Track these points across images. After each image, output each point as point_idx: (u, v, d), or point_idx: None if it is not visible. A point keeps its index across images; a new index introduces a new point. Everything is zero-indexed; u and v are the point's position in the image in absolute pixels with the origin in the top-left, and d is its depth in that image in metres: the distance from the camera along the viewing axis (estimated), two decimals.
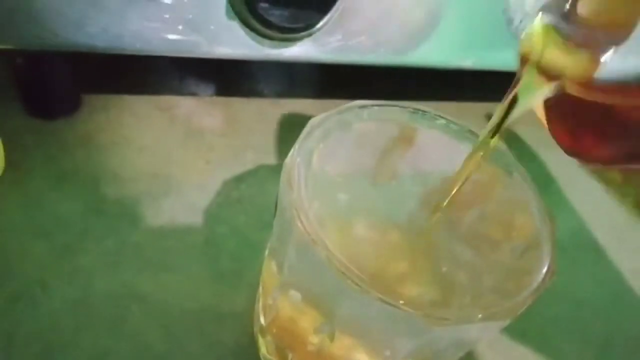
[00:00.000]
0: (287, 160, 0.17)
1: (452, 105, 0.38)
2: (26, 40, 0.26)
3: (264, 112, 0.35)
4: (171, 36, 0.28)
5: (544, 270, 0.17)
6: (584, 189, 0.37)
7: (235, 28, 0.28)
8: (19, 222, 0.26)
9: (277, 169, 0.32)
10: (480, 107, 0.39)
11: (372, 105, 0.20)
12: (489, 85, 0.42)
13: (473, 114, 0.37)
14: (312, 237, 0.15)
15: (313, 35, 0.28)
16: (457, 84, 0.39)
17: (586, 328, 0.28)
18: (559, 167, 0.37)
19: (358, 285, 0.15)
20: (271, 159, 0.32)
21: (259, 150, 0.32)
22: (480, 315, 0.16)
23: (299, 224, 0.16)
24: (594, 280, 0.31)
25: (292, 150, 0.18)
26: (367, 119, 0.20)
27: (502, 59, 0.35)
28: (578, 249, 0.33)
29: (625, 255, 0.33)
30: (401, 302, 0.15)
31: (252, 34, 0.28)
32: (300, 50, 0.29)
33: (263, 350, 0.22)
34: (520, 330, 0.27)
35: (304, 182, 0.17)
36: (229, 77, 0.37)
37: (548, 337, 0.28)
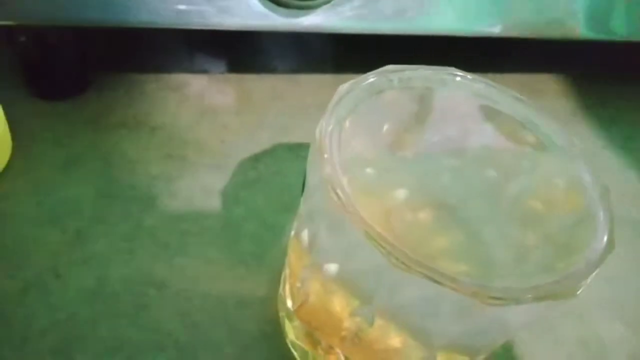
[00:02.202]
0: (317, 131, 0.16)
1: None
2: (28, 15, 0.25)
3: (278, 89, 0.33)
4: (180, 6, 0.26)
5: (603, 242, 0.15)
6: (614, 165, 0.35)
7: None
8: (29, 208, 0.25)
9: (294, 148, 0.31)
10: (518, 78, 0.38)
11: (404, 70, 0.18)
12: (526, 56, 0.40)
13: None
14: (350, 212, 0.14)
15: (331, 3, 0.27)
16: (493, 54, 0.37)
17: (626, 308, 0.27)
18: (587, 142, 0.35)
19: (401, 261, 0.13)
20: (288, 138, 0.31)
21: (275, 128, 0.31)
22: (532, 295, 0.14)
23: (335, 199, 0.14)
24: (631, 258, 0.29)
25: (321, 120, 0.16)
26: (399, 86, 0.18)
27: (532, 26, 0.33)
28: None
29: None
30: (451, 282, 0.13)
31: (266, 2, 0.26)
32: (318, 19, 0.27)
33: (291, 336, 0.21)
34: (555, 310, 0.26)
35: (336, 154, 0.15)
36: (241, 53, 0.35)
37: (586, 318, 0.26)
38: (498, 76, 0.38)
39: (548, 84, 0.40)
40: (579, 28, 0.35)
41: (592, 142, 0.36)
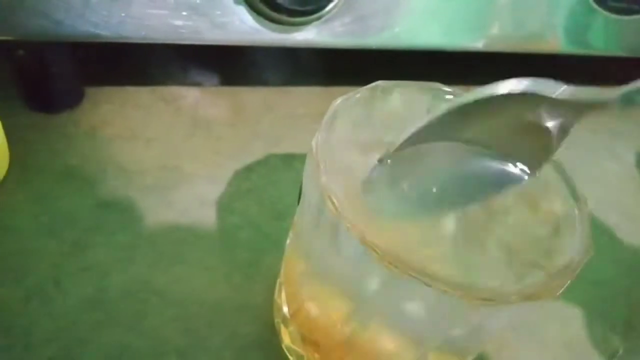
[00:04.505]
0: (313, 143, 0.17)
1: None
2: (28, 30, 0.25)
3: (270, 101, 0.34)
4: (176, 22, 0.27)
5: (581, 247, 0.16)
6: (595, 174, 0.36)
7: (242, 13, 0.27)
8: (27, 220, 0.25)
9: (286, 159, 0.31)
10: None
11: (393, 86, 0.19)
12: (512, 68, 0.42)
13: None
14: (345, 219, 0.15)
15: (322, 19, 0.28)
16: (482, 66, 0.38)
17: (608, 310, 0.28)
18: (569, 151, 0.37)
19: (395, 265, 0.14)
20: (281, 148, 0.31)
21: (268, 139, 0.32)
22: (518, 296, 0.15)
23: (331, 206, 0.15)
24: (612, 262, 0.31)
25: (317, 133, 0.17)
26: (391, 100, 0.19)
27: (514, 40, 0.34)
28: (594, 232, 0.32)
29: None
30: (442, 283, 0.14)
31: (260, 18, 0.27)
32: (310, 34, 0.28)
33: (287, 340, 0.22)
34: (542, 314, 0.27)
35: (331, 165, 0.16)
36: (234, 66, 0.36)
37: (570, 320, 0.27)
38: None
39: None
40: (559, 42, 0.37)
41: (574, 151, 0.37)
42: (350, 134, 0.19)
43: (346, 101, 0.19)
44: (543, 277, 0.16)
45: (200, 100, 0.33)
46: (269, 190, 0.29)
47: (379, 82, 0.19)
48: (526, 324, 0.26)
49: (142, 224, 0.26)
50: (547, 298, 0.15)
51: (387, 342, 0.18)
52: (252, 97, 0.34)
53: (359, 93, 0.19)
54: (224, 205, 0.28)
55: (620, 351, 0.27)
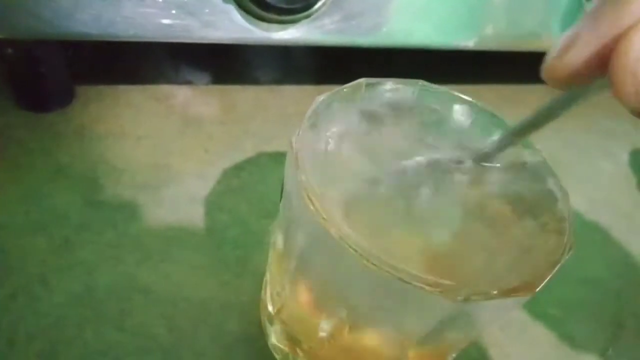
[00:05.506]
0: (293, 140, 0.17)
1: (461, 89, 0.38)
2: (17, 29, 0.25)
3: (261, 100, 0.34)
4: (165, 21, 0.27)
5: (563, 245, 0.16)
6: (589, 173, 0.36)
7: (231, 11, 0.27)
8: (17, 217, 0.25)
9: (277, 157, 0.31)
10: (498, 90, 0.39)
11: (377, 82, 0.19)
12: (499, 68, 0.42)
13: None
14: (325, 218, 0.15)
15: (311, 17, 0.28)
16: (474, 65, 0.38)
17: (598, 309, 0.28)
18: (564, 150, 0.37)
19: (375, 264, 0.14)
20: (271, 147, 0.31)
21: (259, 138, 0.32)
22: (496, 292, 0.15)
23: (310, 206, 0.15)
24: (603, 261, 0.31)
25: (297, 130, 0.17)
26: (374, 97, 0.19)
27: (508, 39, 0.34)
28: (586, 230, 0.32)
29: (633, 235, 0.33)
30: (421, 280, 0.14)
31: (249, 17, 0.27)
32: (299, 33, 0.28)
33: (272, 338, 0.22)
34: (531, 312, 0.27)
35: (311, 162, 0.16)
36: (225, 65, 0.36)
37: (560, 319, 0.27)
38: (478, 87, 0.39)
39: (527, 94, 0.41)
40: (554, 41, 0.36)
41: (568, 150, 0.37)
42: (331, 130, 0.19)
43: (329, 98, 0.19)
44: (522, 274, 0.16)
45: (191, 98, 0.33)
46: (258, 189, 0.29)
47: (362, 79, 0.19)
48: (513, 322, 0.26)
49: (131, 221, 0.26)
50: (526, 295, 0.15)
51: (369, 339, 0.18)
52: (243, 95, 0.34)
53: (342, 90, 0.19)
54: (213, 203, 0.28)
55: (610, 350, 0.26)
